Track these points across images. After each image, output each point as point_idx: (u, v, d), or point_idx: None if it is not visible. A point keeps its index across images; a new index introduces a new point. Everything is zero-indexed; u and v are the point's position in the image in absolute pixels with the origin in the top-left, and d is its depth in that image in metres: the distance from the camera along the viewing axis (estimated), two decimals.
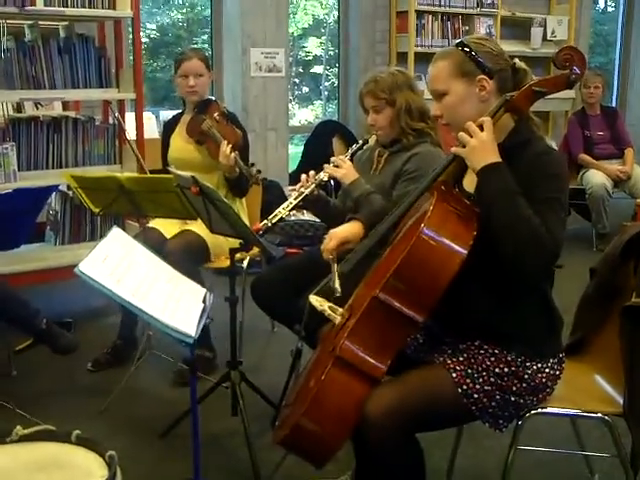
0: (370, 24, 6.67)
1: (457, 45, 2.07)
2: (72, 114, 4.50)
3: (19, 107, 5.18)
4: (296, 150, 7.95)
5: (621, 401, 2.13)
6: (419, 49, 6.55)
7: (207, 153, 3.57)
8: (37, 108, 5.22)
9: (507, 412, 2.02)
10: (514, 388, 2.00)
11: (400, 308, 1.93)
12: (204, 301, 2.23)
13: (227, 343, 3.55)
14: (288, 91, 6.49)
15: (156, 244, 3.37)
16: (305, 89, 12.92)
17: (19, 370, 3.49)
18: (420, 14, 6.55)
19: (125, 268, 2.07)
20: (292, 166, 6.68)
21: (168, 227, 3.55)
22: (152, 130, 5.73)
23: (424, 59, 5.97)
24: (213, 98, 3.64)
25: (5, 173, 3.82)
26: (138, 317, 2.64)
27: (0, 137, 3.94)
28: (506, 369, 1.99)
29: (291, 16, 13.21)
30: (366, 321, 1.97)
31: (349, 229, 2.37)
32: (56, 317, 3.70)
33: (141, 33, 12.88)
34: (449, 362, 2.01)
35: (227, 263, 3.57)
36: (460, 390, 1.97)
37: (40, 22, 4.09)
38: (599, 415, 2.13)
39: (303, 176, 2.93)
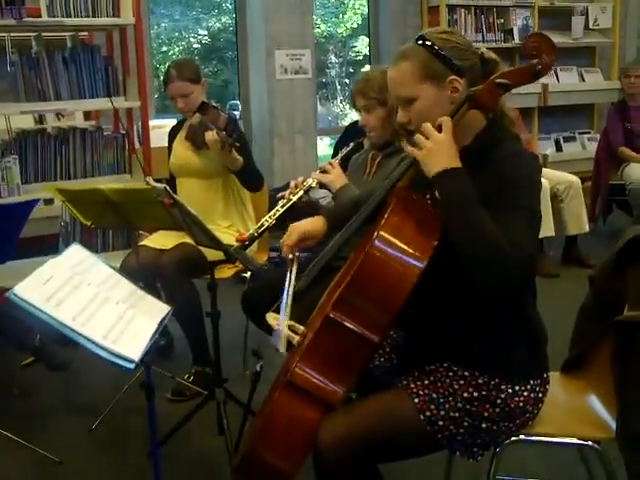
0: (401, 21, 6.49)
1: (419, 42, 1.84)
2: (85, 125, 4.46)
3: (41, 119, 5.19)
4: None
5: (614, 425, 1.93)
6: None
7: (204, 154, 3.45)
8: (59, 119, 5.23)
9: (479, 439, 1.84)
10: (485, 414, 1.81)
11: (354, 327, 1.77)
12: (162, 321, 2.10)
13: (237, 355, 3.47)
14: (316, 93, 6.36)
15: (150, 261, 3.30)
16: None
17: (22, 386, 3.44)
18: (452, 8, 6.35)
19: (70, 289, 1.95)
20: None
21: (166, 241, 3.44)
22: None
23: None
24: (204, 100, 3.51)
25: (9, 187, 3.79)
26: None
27: (7, 151, 3.92)
28: (476, 393, 1.81)
29: (340, 16, 13.16)
30: (319, 342, 1.81)
31: (311, 223, 2.19)
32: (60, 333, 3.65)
33: (192, 39, 12.82)
34: (412, 386, 1.84)
35: (229, 274, 3.50)
36: (423, 417, 1.79)
37: (46, 33, 4.05)
38: (589, 443, 1.91)
39: (292, 182, 2.81)
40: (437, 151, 1.75)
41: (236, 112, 6.77)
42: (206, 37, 12.99)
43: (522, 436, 1.90)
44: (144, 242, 3.51)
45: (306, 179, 2.80)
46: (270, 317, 2.02)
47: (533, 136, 6.60)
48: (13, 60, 3.92)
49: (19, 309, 1.84)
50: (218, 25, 12.81)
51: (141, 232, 4.06)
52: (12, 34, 4.01)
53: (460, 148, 1.79)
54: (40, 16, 3.86)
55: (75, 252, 2.17)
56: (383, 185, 1.94)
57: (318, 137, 6.96)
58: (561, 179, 5.12)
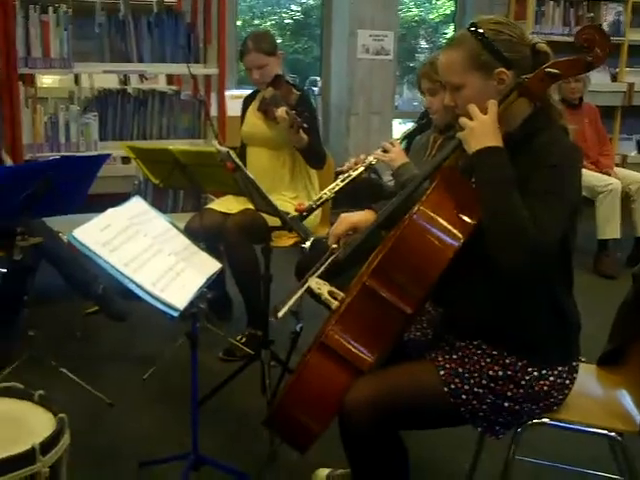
0: (487, 10, 6.40)
1: (472, 32, 1.87)
2: (164, 88, 4.61)
3: (125, 80, 5.37)
4: None
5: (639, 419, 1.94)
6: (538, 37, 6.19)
7: (275, 126, 3.53)
8: (142, 82, 5.41)
9: (501, 418, 1.88)
10: (509, 393, 1.86)
11: (388, 297, 1.84)
12: (210, 277, 2.21)
13: (288, 320, 3.56)
14: (396, 75, 6.37)
15: (214, 223, 3.41)
16: None
17: (83, 332, 3.62)
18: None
19: (126, 238, 2.08)
20: None
21: (232, 205, 3.55)
22: None
23: None
24: (280, 72, 3.58)
25: (87, 142, 3.98)
26: None
27: (88, 108, 4.10)
28: (501, 372, 1.86)
29: (433, 2, 13.05)
30: (355, 309, 1.89)
31: (362, 216, 2.25)
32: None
33: (285, 14, 12.82)
34: (440, 359, 1.90)
35: (289, 243, 3.59)
36: (447, 389, 1.85)
37: None
38: (612, 434, 1.94)
39: (352, 159, 2.87)
40: (480, 131, 1.80)
41: (315, 88, 6.83)
42: (298, 13, 13.05)
43: (545, 419, 1.93)
44: (210, 205, 3.64)
45: (367, 156, 2.86)
46: (313, 282, 2.10)
47: (614, 136, 6.44)
48: (101, 22, 4.09)
49: (86, 258, 1.97)
50: (311, 2, 12.85)
51: (209, 196, 4.21)
52: None
53: (504, 133, 1.83)
54: None
55: (136, 205, 2.30)
56: (430, 164, 1.99)
57: (400, 120, 6.97)
58: (634, 179, 5.04)
